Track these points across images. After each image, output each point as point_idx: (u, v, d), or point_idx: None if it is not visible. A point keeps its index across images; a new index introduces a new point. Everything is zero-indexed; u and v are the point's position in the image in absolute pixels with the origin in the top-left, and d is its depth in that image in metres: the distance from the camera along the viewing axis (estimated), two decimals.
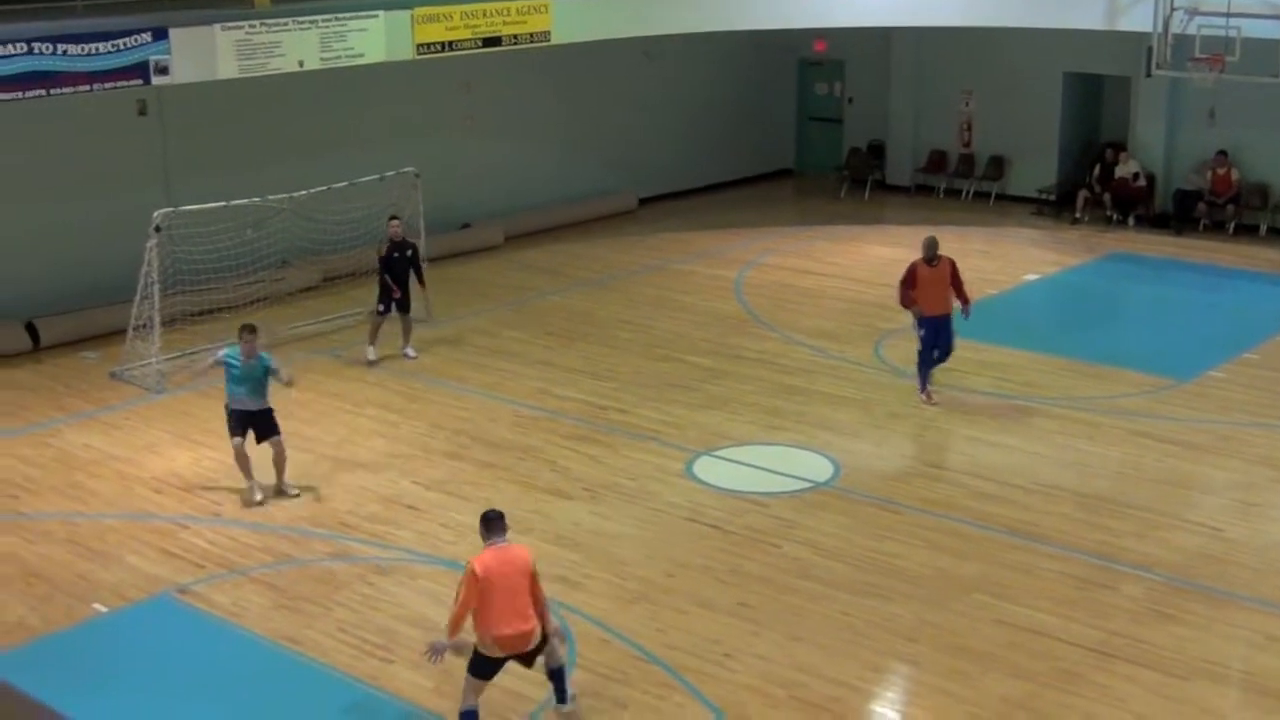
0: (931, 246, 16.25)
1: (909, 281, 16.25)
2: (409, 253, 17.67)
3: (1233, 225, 24.96)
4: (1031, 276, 22.53)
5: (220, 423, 13.97)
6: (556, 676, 9.82)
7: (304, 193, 18.54)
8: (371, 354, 17.78)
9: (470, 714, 9.40)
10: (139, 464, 14.70)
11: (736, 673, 10.53)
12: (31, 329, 18.55)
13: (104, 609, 11.63)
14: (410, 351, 17.93)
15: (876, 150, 29.50)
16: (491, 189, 24.73)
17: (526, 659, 9.46)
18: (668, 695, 10.24)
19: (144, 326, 17.02)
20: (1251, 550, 12.61)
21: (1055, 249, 24.20)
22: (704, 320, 19.86)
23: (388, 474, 14.37)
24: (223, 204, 17.77)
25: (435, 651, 9.36)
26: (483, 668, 9.38)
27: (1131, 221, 25.51)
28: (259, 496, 13.54)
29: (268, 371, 13.59)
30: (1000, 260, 23.45)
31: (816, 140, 30.66)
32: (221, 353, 13.78)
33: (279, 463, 13.74)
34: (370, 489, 13.98)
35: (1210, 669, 10.59)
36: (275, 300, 19.23)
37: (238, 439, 13.52)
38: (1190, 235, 24.73)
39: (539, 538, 12.80)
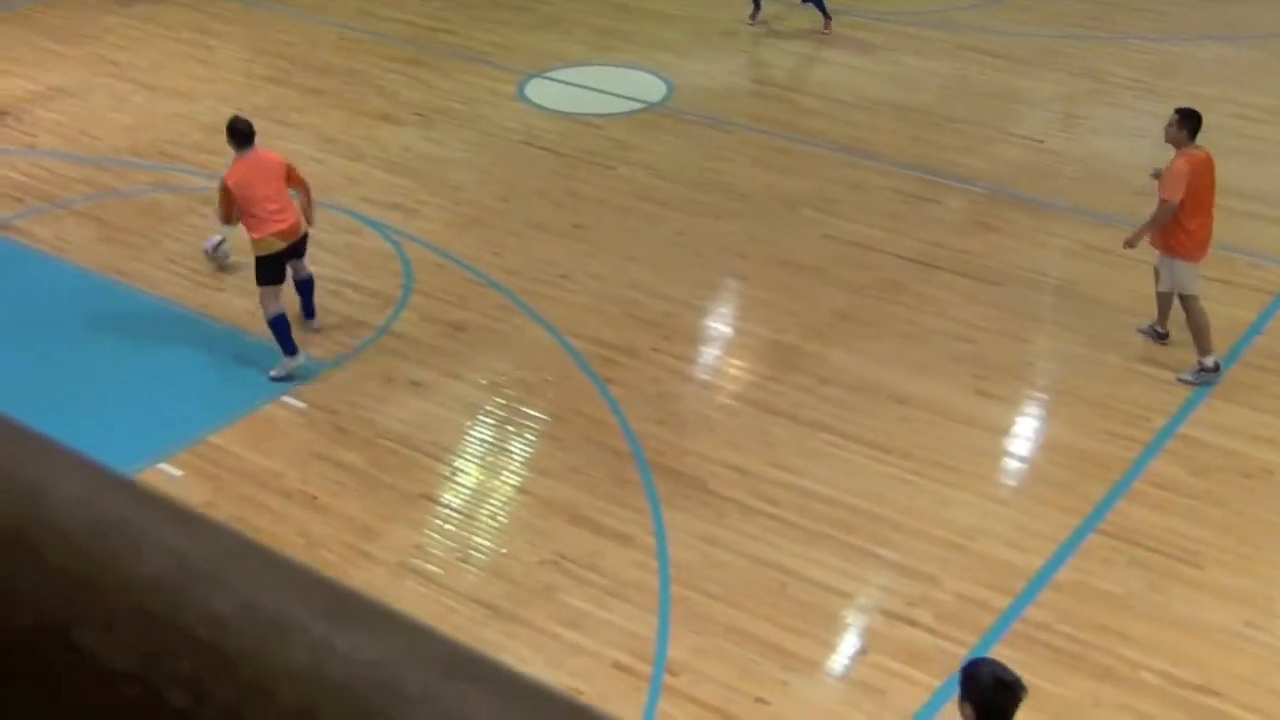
0: None
1: None
2: None
3: None
4: None
5: (24, 49, 13.29)
6: (305, 288, 10.16)
7: None
8: None
9: (279, 319, 9.61)
10: None
11: (572, 293, 10.68)
12: None
13: None
14: None
15: None
16: None
17: (297, 250, 9.76)
18: (505, 318, 10.38)
19: None
20: (1072, 161, 12.96)
21: None
22: None
23: (208, 101, 13.91)
24: None
25: (209, 250, 10.18)
26: (269, 271, 9.59)
27: None
28: None
29: None
30: None
31: None
32: None
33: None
34: (190, 117, 13.56)
35: (1026, 275, 11.02)
36: None
37: None
38: None
39: (371, 164, 12.63)
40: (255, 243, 9.51)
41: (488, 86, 14.32)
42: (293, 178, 9.79)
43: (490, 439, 9.15)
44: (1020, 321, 10.44)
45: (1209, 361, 9.63)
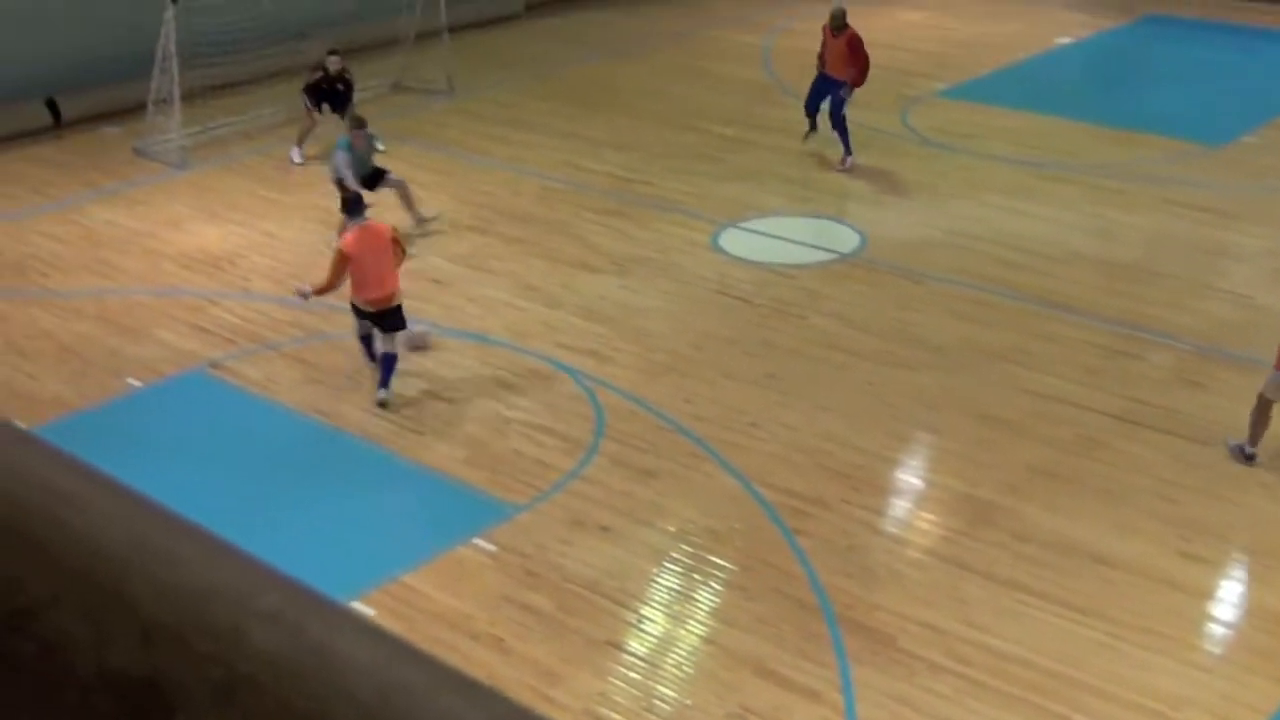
0: (838, 16, 16.19)
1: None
2: (341, 87, 16.74)
3: None
4: (1064, 40, 22.06)
5: (243, 197, 13.92)
6: (386, 363, 11.28)
7: None
8: (297, 155, 16.88)
9: (365, 339, 11.58)
10: (165, 240, 14.71)
11: (763, 441, 10.64)
12: (52, 105, 18.37)
13: (138, 384, 11.76)
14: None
15: None
16: None
17: (386, 319, 11.25)
18: (695, 465, 10.37)
19: (164, 101, 16.85)
20: None
21: (1089, 10, 23.62)
22: (730, 89, 19.56)
23: (413, 248, 14.32)
24: None
25: (300, 294, 11.47)
26: (358, 313, 11.40)
27: None
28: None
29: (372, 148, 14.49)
30: (1033, 23, 22.95)
31: None
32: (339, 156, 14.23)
33: (406, 197, 14.59)
34: None
35: (1235, 436, 10.62)
36: (294, 73, 18.96)
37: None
38: None
39: (568, 311, 12.84)
40: (351, 297, 11.24)
41: (683, 236, 14.51)
42: (397, 252, 11.32)
43: (677, 587, 9.09)
44: (1228, 483, 10.06)
45: (1249, 448, 10.23)
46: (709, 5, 24.10)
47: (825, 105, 16.19)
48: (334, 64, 16.66)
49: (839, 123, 16.26)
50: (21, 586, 0.94)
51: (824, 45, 16.39)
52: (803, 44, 21.10)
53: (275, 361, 12.09)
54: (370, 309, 11.22)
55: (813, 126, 16.40)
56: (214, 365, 12.02)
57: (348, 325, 12.69)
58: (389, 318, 11.24)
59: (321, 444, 10.87)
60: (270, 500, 10.09)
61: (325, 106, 16.62)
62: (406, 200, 14.60)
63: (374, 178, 14.41)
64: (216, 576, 0.72)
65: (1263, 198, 15.26)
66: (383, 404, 11.19)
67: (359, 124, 14.30)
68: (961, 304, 12.93)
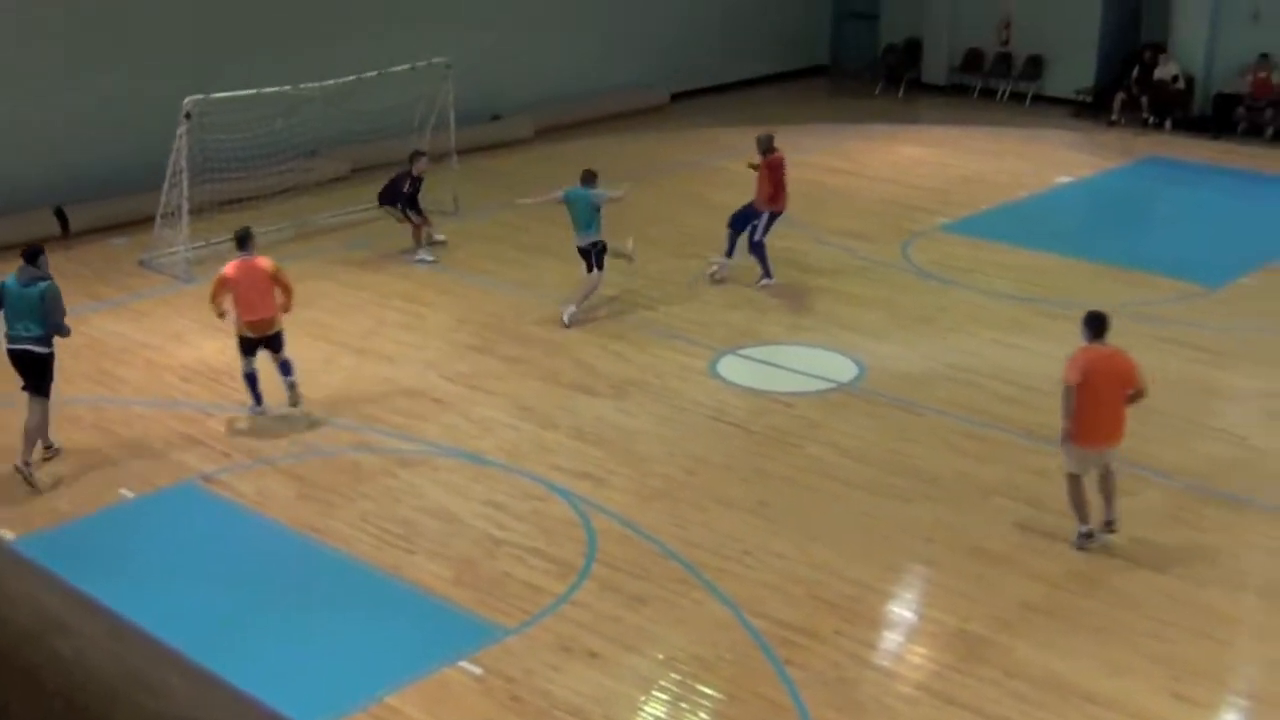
0: (764, 140, 16.77)
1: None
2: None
3: (1270, 130, 24.66)
4: (1064, 179, 22.34)
5: None
6: (284, 367, 13.04)
7: (334, 82, 18.44)
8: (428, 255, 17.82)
9: (249, 376, 13.04)
10: (168, 352, 14.80)
11: (755, 570, 10.62)
12: (61, 215, 18.59)
13: (130, 495, 11.77)
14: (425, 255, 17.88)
15: (913, 48, 29.16)
16: (522, 81, 24.56)
17: (268, 343, 12.92)
18: (686, 592, 10.34)
19: (173, 214, 17.04)
20: (1275, 458, 12.60)
21: (1090, 151, 23.97)
22: None
23: (413, 366, 14.44)
24: (253, 92, 17.67)
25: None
26: (243, 345, 12.98)
27: (1169, 125, 25.22)
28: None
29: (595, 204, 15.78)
30: (1034, 161, 23.27)
31: (852, 37, 30.31)
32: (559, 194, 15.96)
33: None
34: (396, 381, 14.07)
35: (1226, 575, 10.64)
36: (304, 190, 19.23)
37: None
38: (1228, 140, 24.45)
39: (563, 433, 12.88)
40: (236, 325, 12.93)
41: (681, 362, 14.59)
42: (279, 284, 12.89)
43: (665, 716, 9.02)
44: (1221, 623, 10.03)
45: (1082, 529, 10.87)
46: (717, 136, 24.44)
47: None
48: (421, 165, 17.60)
49: (756, 248, 16.67)
50: (6, 712, 0.96)
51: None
52: (808, 175, 21.39)
53: (269, 476, 12.11)
54: (252, 333, 12.84)
55: (728, 252, 16.93)
56: (206, 478, 12.03)
57: (343, 441, 12.77)
58: (272, 340, 12.94)
59: (311, 560, 10.85)
60: (257, 616, 10.06)
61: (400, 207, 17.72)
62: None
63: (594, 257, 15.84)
64: (203, 709, 0.74)
65: (1259, 339, 15.38)
66: (293, 395, 13.08)
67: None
68: (958, 437, 12.97)
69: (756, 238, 16.67)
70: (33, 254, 11.93)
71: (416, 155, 17.65)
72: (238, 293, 12.83)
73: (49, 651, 1.02)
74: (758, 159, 16.81)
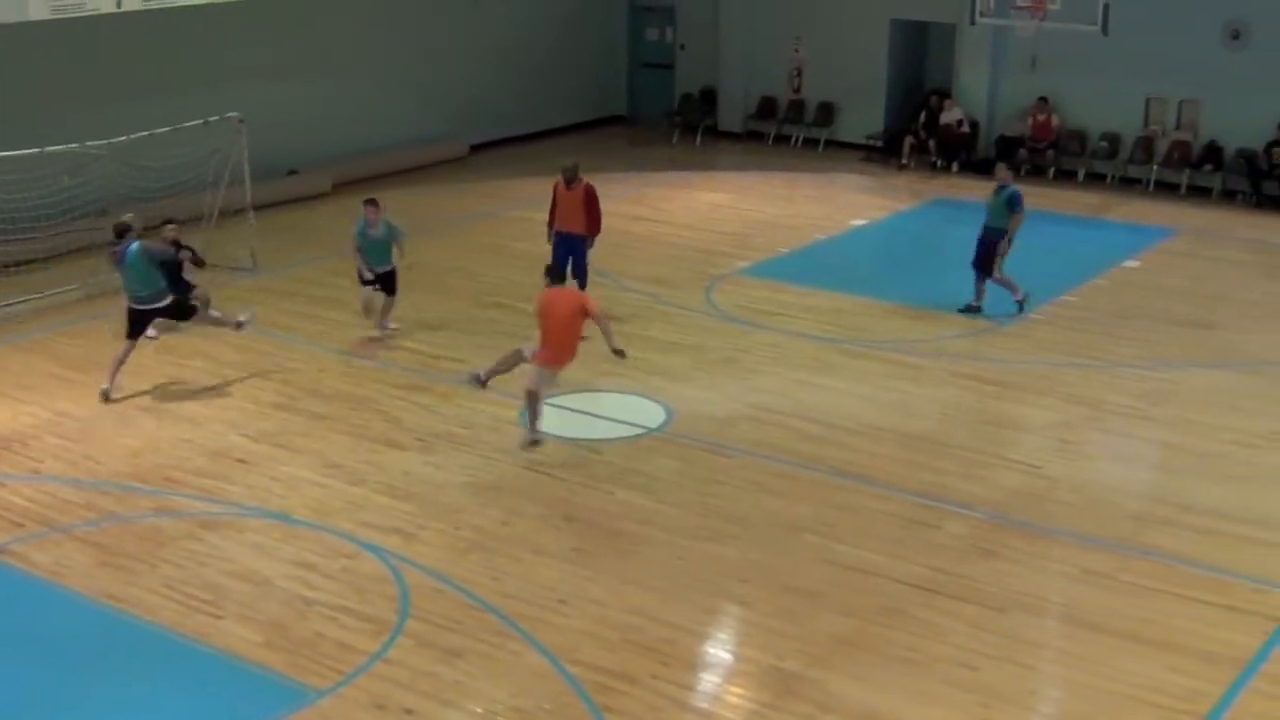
0: (571, 169, 17.27)
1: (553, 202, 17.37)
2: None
3: (1052, 170, 25.63)
4: (859, 221, 22.90)
5: (36, 377, 13.57)
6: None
7: (124, 138, 18.00)
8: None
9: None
10: None
11: (571, 618, 10.58)
12: None
13: None
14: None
15: (708, 96, 29.64)
16: (319, 135, 24.29)
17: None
18: (503, 643, 10.25)
19: None
20: (1069, 487, 13.02)
21: (882, 194, 24.62)
22: (536, 267, 19.28)
23: (214, 426, 14.10)
24: (37, 150, 17.14)
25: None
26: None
27: (955, 167, 26.03)
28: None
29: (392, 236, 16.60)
30: (829, 205, 23.80)
31: (648, 86, 30.69)
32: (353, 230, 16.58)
33: (387, 309, 16.78)
34: (196, 442, 13.70)
35: (1028, 601, 10.94)
36: (95, 249, 18.63)
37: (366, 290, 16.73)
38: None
39: (371, 489, 12.70)
40: None
41: (490, 412, 14.51)
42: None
43: None
44: (1024, 648, 10.31)
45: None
46: (513, 187, 24.48)
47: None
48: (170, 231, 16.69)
49: (582, 275, 17.01)
50: None
51: (555, 202, 17.30)
52: (610, 223, 21.35)
53: (65, 545, 11.67)
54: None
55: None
56: None
57: (143, 505, 12.40)
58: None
59: (112, 631, 10.46)
60: (59, 691, 9.67)
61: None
62: (387, 310, 16.85)
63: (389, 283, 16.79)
64: None
65: (1048, 371, 15.91)
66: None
67: (372, 203, 16.91)
68: (765, 477, 13.13)
69: (584, 263, 17.29)
70: None
71: (165, 224, 16.89)
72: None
73: None
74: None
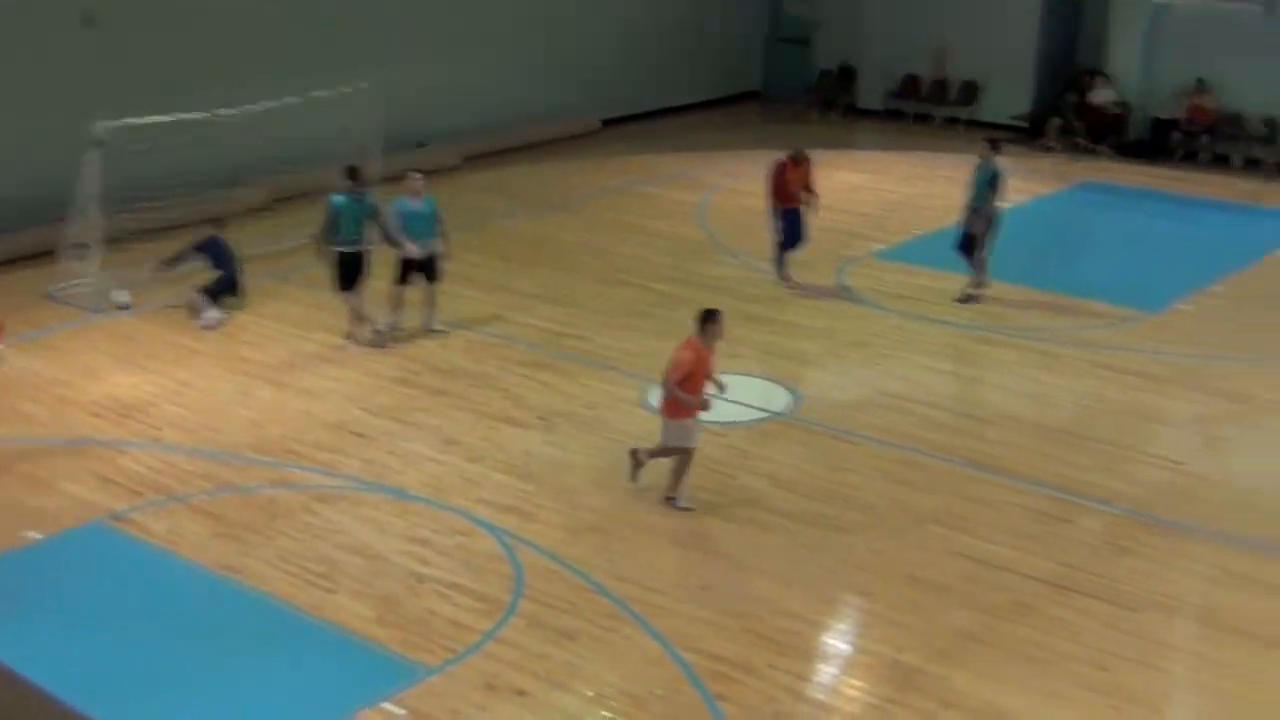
0: (800, 149, 17.69)
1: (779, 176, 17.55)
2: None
3: (1207, 155, 24.73)
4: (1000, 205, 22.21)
5: (160, 345, 13.59)
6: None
7: (254, 108, 18.00)
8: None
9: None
10: (78, 387, 14.27)
11: (686, 604, 10.29)
12: None
13: (37, 536, 11.27)
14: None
15: (847, 74, 29.11)
16: (448, 109, 24.17)
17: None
18: (616, 627, 10.00)
19: (84, 245, 16.54)
20: (1212, 484, 12.45)
21: (1026, 177, 23.87)
22: (666, 246, 19.52)
23: (335, 400, 14.02)
24: (170, 118, 17.17)
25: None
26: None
27: (1105, 150, 25.23)
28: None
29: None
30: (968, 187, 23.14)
31: (785, 62, 30.21)
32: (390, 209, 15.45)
33: (429, 302, 15.81)
34: (317, 415, 13.64)
35: (1164, 602, 10.45)
36: (224, 220, 18.71)
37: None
38: (1164, 165, 24.48)
39: (490, 466, 12.52)
40: None
41: (611, 392, 14.27)
42: None
43: None
44: (1158, 650, 9.81)
45: None
46: (644, 162, 24.23)
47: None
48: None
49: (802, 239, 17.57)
50: None
51: (784, 180, 17.50)
52: (739, 201, 21.20)
53: (181, 514, 11.65)
54: None
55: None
56: (116, 518, 11.55)
57: (260, 477, 12.35)
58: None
59: (226, 602, 10.40)
60: (171, 660, 9.61)
61: None
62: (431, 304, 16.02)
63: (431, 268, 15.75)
64: None
65: (1194, 364, 15.26)
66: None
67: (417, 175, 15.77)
68: (893, 465, 12.72)
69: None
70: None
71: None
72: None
73: None
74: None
